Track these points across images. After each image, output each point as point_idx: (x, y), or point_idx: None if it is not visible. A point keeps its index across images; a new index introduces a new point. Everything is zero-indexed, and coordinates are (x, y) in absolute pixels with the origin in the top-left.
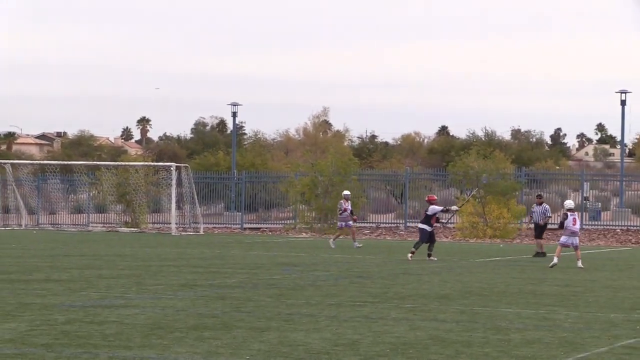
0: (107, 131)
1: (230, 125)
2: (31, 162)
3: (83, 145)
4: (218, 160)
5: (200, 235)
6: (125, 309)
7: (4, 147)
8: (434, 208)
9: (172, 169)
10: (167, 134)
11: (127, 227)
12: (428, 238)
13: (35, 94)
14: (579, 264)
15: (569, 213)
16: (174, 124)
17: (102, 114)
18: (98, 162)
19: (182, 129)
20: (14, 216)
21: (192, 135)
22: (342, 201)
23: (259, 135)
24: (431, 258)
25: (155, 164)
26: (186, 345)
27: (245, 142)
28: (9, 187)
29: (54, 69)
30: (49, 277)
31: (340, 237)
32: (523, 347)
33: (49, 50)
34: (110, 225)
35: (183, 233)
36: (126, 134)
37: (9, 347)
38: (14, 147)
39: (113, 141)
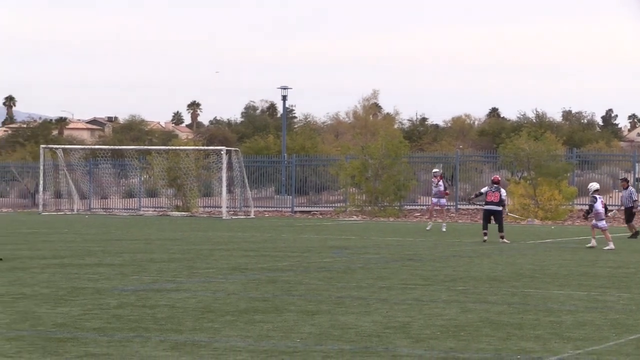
0: (158, 116)
1: (280, 109)
2: (82, 147)
3: (134, 129)
4: (268, 144)
5: (251, 219)
6: (177, 293)
7: (55, 132)
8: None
9: (222, 152)
10: (218, 118)
11: (178, 211)
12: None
13: (86, 80)
14: (611, 245)
15: (597, 196)
16: (224, 107)
17: (152, 98)
18: (149, 147)
19: (233, 113)
20: (66, 201)
21: (242, 119)
22: (433, 179)
23: (309, 119)
24: (504, 240)
25: (206, 147)
26: (237, 328)
27: (296, 126)
28: (60, 172)
29: (106, 54)
30: (101, 261)
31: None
32: (575, 329)
33: (100, 35)
34: (161, 209)
35: (234, 217)
36: (177, 119)
37: (62, 331)
38: (66, 133)
39: (164, 125)
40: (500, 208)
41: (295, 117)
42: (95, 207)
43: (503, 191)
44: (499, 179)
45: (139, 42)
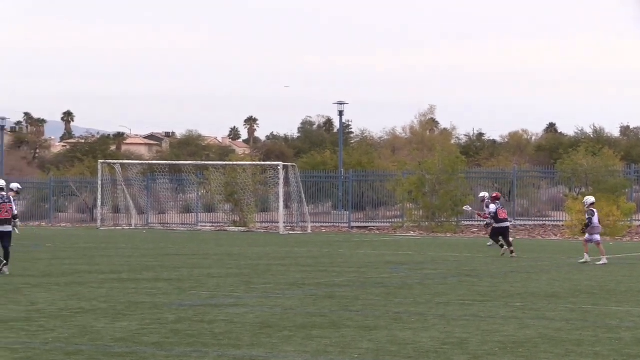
0: (215, 131)
1: (337, 124)
2: (140, 162)
3: (191, 145)
4: (325, 159)
5: (308, 234)
6: (234, 308)
7: (113, 147)
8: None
9: (279, 168)
10: (275, 133)
11: (236, 226)
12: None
13: (143, 95)
14: (604, 260)
15: (594, 209)
16: (281, 123)
17: (210, 113)
18: (206, 162)
19: (289, 128)
20: (123, 216)
21: (299, 134)
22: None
23: (365, 134)
24: (512, 254)
25: (263, 163)
26: (295, 344)
27: (352, 141)
28: (118, 187)
29: (163, 69)
30: (158, 276)
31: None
32: (634, 345)
33: (158, 51)
34: (218, 224)
35: (291, 232)
36: (234, 134)
37: (120, 346)
38: (123, 148)
39: (221, 141)
40: (509, 224)
41: (351, 133)
42: (153, 222)
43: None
44: (500, 195)
45: (196, 59)
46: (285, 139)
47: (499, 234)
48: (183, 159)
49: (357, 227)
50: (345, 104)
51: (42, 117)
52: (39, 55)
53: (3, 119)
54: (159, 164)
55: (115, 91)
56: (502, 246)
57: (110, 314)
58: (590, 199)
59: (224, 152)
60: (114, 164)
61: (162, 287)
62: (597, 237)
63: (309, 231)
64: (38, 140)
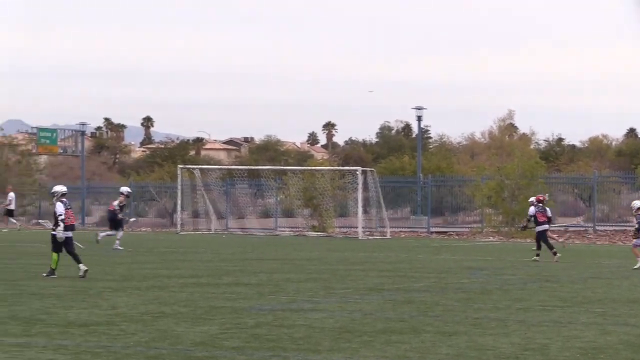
0: (294, 136)
1: (415, 129)
2: (219, 167)
3: (270, 150)
4: (403, 164)
5: (387, 239)
6: (314, 313)
7: (193, 152)
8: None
9: (358, 173)
10: (353, 138)
11: (315, 231)
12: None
13: (222, 100)
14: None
15: None
16: (359, 128)
17: (288, 119)
18: (285, 167)
19: (368, 133)
20: (203, 221)
21: (377, 139)
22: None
23: (444, 139)
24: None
25: (342, 168)
26: (374, 349)
27: (431, 146)
28: (198, 192)
29: (241, 76)
30: (238, 280)
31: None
32: None
33: (235, 57)
34: (297, 229)
35: (370, 237)
36: (312, 139)
37: (200, 350)
38: (203, 153)
39: (299, 146)
40: (548, 227)
41: (430, 138)
42: (232, 226)
43: (547, 209)
44: (542, 198)
45: (274, 64)
46: (364, 144)
47: (540, 237)
48: (262, 164)
49: (436, 232)
50: (423, 109)
51: (122, 123)
52: (119, 61)
53: (84, 124)
54: (238, 169)
55: (194, 97)
56: (537, 255)
57: (190, 318)
58: (638, 203)
59: (302, 157)
60: (194, 169)
61: (242, 291)
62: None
63: (388, 236)
64: (118, 145)
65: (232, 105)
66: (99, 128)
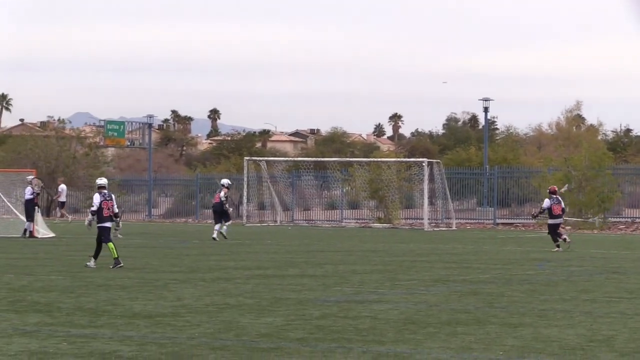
0: (360, 127)
1: (482, 121)
2: (285, 159)
3: (336, 142)
4: (470, 156)
5: (453, 231)
6: (379, 304)
7: (259, 144)
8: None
9: (424, 164)
10: (419, 129)
11: (380, 223)
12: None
13: (288, 92)
14: None
15: None
16: (425, 119)
17: (354, 110)
18: (351, 159)
19: (434, 125)
20: (269, 212)
21: (444, 131)
22: None
23: (510, 130)
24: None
25: (408, 159)
26: (439, 340)
27: (497, 137)
28: (264, 184)
29: (308, 67)
30: (303, 272)
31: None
32: None
33: (301, 50)
34: (363, 221)
35: (435, 229)
36: (378, 131)
37: (265, 341)
38: (269, 145)
39: (365, 137)
40: (561, 220)
41: (497, 129)
42: (297, 218)
43: (562, 201)
44: (556, 189)
45: (340, 56)
46: (430, 135)
47: (553, 229)
48: (328, 155)
49: (502, 224)
50: (490, 100)
51: (189, 115)
52: (186, 54)
53: (151, 116)
54: (304, 161)
55: (260, 89)
56: (558, 246)
57: (256, 310)
58: None
59: (368, 148)
60: (260, 161)
61: (307, 283)
62: None
63: (454, 228)
64: (185, 137)
65: (299, 97)
66: (166, 120)
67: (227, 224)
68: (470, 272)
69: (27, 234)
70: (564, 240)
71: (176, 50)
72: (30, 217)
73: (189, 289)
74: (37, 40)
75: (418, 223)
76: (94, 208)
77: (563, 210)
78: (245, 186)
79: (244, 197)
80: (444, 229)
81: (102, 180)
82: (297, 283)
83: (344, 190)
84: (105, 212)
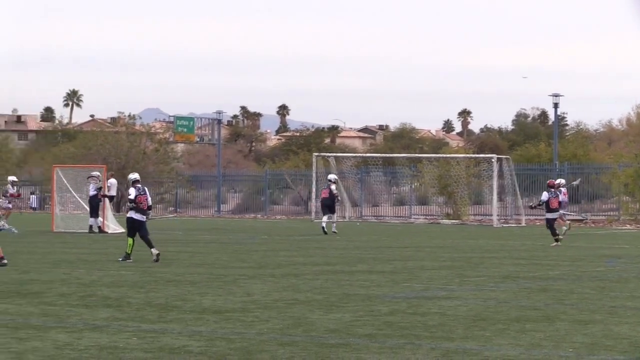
0: (429, 123)
1: (552, 116)
2: (354, 155)
3: (405, 137)
4: (539, 152)
5: (522, 227)
6: (447, 301)
7: (327, 140)
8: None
9: (493, 160)
10: (488, 125)
11: (449, 219)
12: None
13: (357, 88)
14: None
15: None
16: (495, 115)
17: (424, 106)
18: (420, 155)
19: (503, 121)
20: (338, 208)
21: (513, 127)
22: None
23: (581, 126)
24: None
25: (477, 155)
26: (508, 337)
27: (567, 133)
28: None
29: (379, 64)
30: (372, 268)
31: None
32: None
33: (369, 46)
34: (431, 216)
35: (504, 224)
36: (447, 126)
37: (333, 337)
38: (338, 141)
39: (434, 133)
40: (559, 214)
41: (566, 125)
42: (366, 214)
43: (559, 194)
44: (555, 183)
45: (408, 52)
46: (499, 131)
47: (551, 223)
48: (397, 151)
49: (572, 220)
50: (560, 95)
51: (258, 111)
52: (256, 50)
53: (220, 112)
54: (372, 157)
55: (329, 85)
56: (557, 240)
57: (324, 306)
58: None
59: (437, 144)
60: (329, 157)
61: (376, 279)
62: None
63: (523, 224)
64: (254, 133)
65: (368, 93)
66: (235, 116)
67: (333, 218)
68: (540, 269)
69: (97, 230)
70: (565, 228)
71: (246, 46)
72: (95, 213)
73: (258, 285)
74: (108, 37)
75: (487, 219)
76: (131, 197)
77: (560, 204)
78: (314, 182)
79: (313, 193)
80: (513, 225)
81: (134, 175)
82: (366, 279)
83: (413, 186)
84: (141, 206)
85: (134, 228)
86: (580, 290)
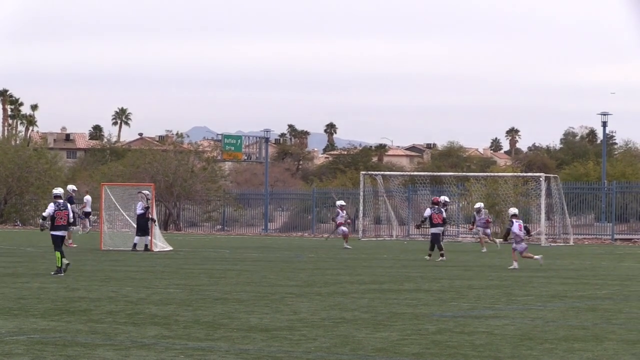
0: (476, 142)
1: (600, 135)
2: (402, 173)
3: (452, 156)
4: (588, 171)
5: (570, 246)
6: (495, 320)
7: (375, 159)
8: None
9: (541, 179)
10: (536, 144)
11: (497, 238)
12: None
13: (405, 106)
14: (515, 265)
15: (513, 220)
16: (543, 134)
17: (471, 124)
18: (467, 173)
19: (551, 139)
20: (385, 227)
21: (561, 146)
22: None
23: (629, 145)
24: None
25: (525, 174)
26: (556, 356)
27: (616, 152)
28: (380, 198)
29: (423, 82)
30: (419, 287)
31: None
32: None
33: (414, 63)
34: (479, 236)
35: (552, 244)
36: (495, 145)
37: (380, 356)
38: (385, 159)
39: (482, 152)
40: (443, 229)
41: (615, 144)
42: (413, 233)
43: (443, 211)
44: (439, 200)
45: (457, 71)
46: (547, 150)
47: (434, 238)
48: (444, 170)
49: (621, 240)
50: (609, 114)
51: (305, 129)
52: (303, 69)
53: (268, 131)
54: (420, 175)
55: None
56: (442, 255)
57: (371, 324)
58: (512, 210)
59: (485, 163)
60: (376, 175)
61: (423, 297)
62: (521, 245)
63: (571, 243)
64: (301, 152)
65: (415, 111)
66: (282, 135)
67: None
68: (588, 288)
69: (142, 248)
70: (441, 255)
71: (294, 65)
72: (141, 231)
73: (305, 303)
74: (156, 55)
75: (535, 238)
76: (45, 214)
77: (444, 220)
78: (361, 200)
79: (360, 212)
80: (561, 244)
81: (57, 190)
82: (413, 297)
83: (460, 204)
84: (58, 221)
85: (57, 244)
86: (628, 310)
